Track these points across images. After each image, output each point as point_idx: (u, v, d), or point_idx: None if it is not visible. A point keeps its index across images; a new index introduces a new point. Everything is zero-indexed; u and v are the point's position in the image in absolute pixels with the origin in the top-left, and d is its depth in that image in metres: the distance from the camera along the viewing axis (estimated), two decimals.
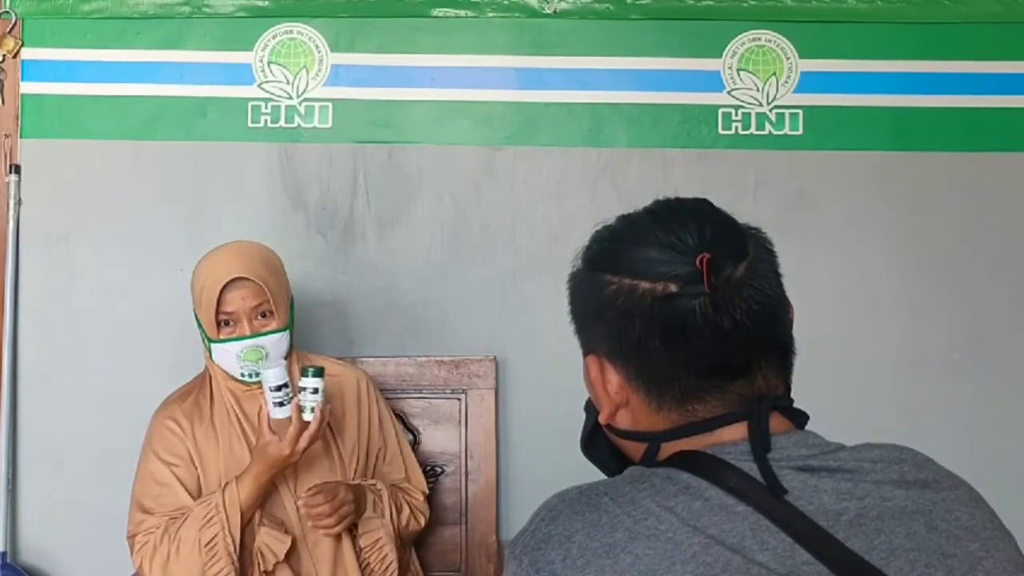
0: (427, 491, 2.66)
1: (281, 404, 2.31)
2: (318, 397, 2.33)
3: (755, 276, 1.08)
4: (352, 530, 2.45)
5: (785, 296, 1.12)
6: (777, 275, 1.11)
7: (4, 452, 3.00)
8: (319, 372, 2.35)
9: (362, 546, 2.46)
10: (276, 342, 2.44)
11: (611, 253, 1.11)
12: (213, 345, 2.43)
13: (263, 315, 2.43)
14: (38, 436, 3.05)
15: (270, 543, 2.37)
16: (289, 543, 2.38)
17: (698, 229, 1.07)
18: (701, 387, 1.08)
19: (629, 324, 1.07)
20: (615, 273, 1.09)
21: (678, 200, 1.14)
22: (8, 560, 2.97)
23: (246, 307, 2.41)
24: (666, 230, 1.08)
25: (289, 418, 2.30)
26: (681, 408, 1.09)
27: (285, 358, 2.45)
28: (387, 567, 2.47)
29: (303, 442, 2.31)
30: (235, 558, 2.32)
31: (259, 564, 2.37)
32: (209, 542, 2.30)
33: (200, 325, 2.46)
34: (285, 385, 2.31)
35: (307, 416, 2.32)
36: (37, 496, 3.05)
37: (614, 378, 1.12)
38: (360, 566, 2.45)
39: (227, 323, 2.42)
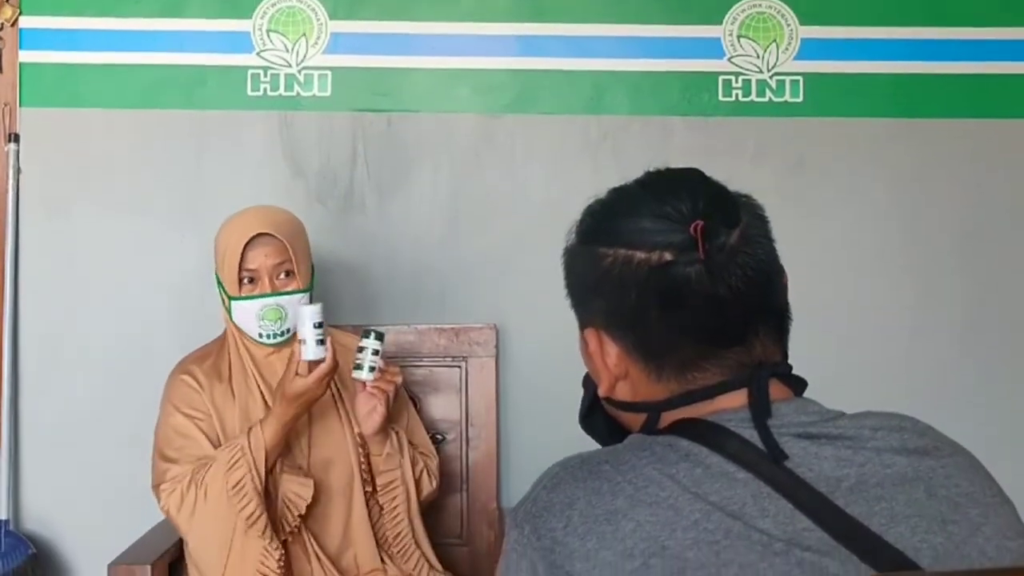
0: (436, 455, 2.64)
1: (321, 341, 2.29)
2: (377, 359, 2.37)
3: (749, 243, 1.08)
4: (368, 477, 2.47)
5: (779, 262, 1.12)
6: (771, 241, 1.12)
7: (6, 420, 3.00)
8: (380, 336, 2.39)
9: (378, 484, 2.46)
10: (297, 303, 2.42)
11: (605, 225, 1.12)
12: (233, 303, 2.42)
13: (286, 274, 2.44)
14: (40, 404, 3.05)
15: (296, 488, 2.37)
16: (312, 486, 2.38)
17: (690, 198, 1.07)
18: (699, 355, 1.08)
19: (626, 295, 1.07)
20: (609, 245, 1.09)
21: (669, 170, 1.15)
22: (11, 527, 2.98)
23: (268, 264, 2.41)
24: (659, 200, 1.08)
25: (322, 359, 2.29)
26: (680, 377, 1.09)
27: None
28: (394, 507, 2.47)
29: (324, 378, 2.31)
30: (262, 498, 2.31)
31: (288, 514, 2.37)
32: (236, 484, 2.29)
33: (221, 285, 2.46)
34: (323, 324, 2.30)
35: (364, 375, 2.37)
36: (40, 464, 3.06)
37: (612, 350, 1.12)
38: (368, 512, 2.47)
39: (250, 280, 2.42)
